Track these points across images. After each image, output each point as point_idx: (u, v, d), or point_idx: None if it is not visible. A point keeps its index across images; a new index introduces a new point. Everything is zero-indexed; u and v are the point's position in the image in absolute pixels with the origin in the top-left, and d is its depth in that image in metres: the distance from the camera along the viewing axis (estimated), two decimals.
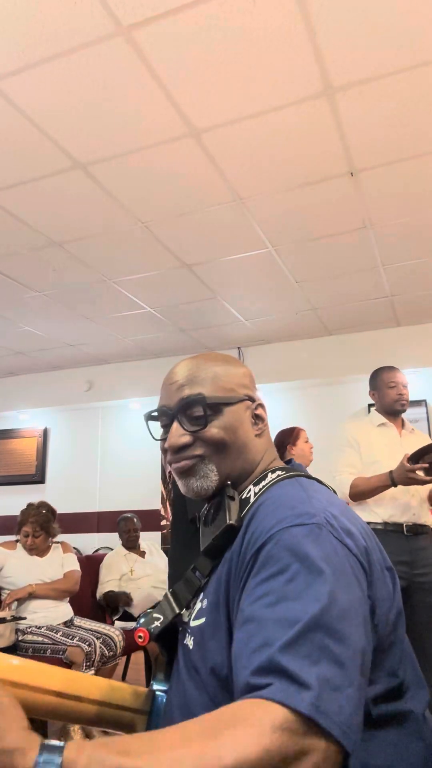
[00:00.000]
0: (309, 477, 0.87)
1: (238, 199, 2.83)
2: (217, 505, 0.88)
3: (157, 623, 0.87)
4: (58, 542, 3.28)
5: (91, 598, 3.70)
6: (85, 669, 2.73)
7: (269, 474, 0.88)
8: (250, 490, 0.87)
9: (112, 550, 5.36)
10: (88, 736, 0.89)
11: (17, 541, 3.17)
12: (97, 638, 2.87)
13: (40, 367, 5.76)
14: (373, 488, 2.42)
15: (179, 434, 0.87)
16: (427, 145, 2.45)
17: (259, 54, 1.95)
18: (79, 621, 3.11)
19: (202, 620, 0.79)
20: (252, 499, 0.84)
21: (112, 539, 5.49)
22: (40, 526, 3.12)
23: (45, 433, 6.08)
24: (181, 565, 1.74)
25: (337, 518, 0.74)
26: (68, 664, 2.75)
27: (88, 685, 0.82)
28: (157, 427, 0.93)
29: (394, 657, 0.75)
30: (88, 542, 5.49)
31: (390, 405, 2.66)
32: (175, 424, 0.87)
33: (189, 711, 0.75)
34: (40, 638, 2.85)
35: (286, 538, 0.69)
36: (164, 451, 0.90)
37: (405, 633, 0.80)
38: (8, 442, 6.19)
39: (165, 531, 5.30)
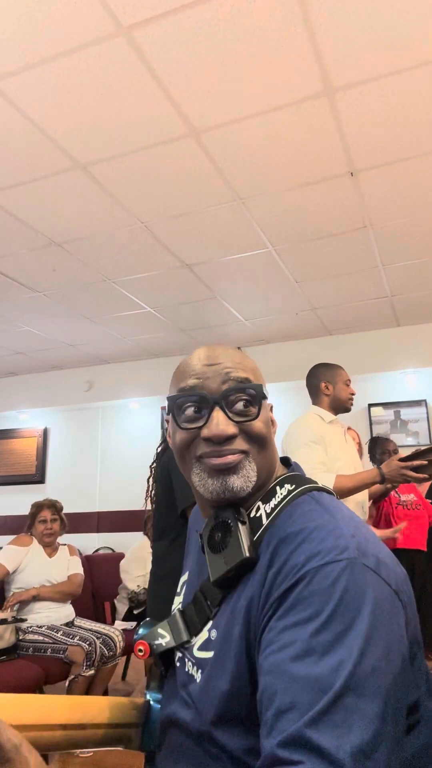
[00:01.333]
0: (319, 488, 0.80)
1: (238, 199, 2.83)
2: (223, 527, 0.78)
3: (161, 641, 0.82)
4: (64, 544, 3.29)
5: (91, 599, 3.70)
6: (85, 668, 2.73)
7: (277, 488, 0.80)
8: (259, 508, 0.78)
9: (112, 550, 5.38)
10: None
11: (30, 535, 3.18)
12: (98, 638, 2.88)
13: (40, 367, 5.77)
14: (361, 485, 2.38)
15: (226, 422, 0.76)
16: (427, 145, 2.45)
17: (259, 54, 1.95)
18: (79, 621, 3.11)
19: (210, 654, 0.74)
20: (264, 521, 0.76)
21: (112, 539, 5.50)
22: (57, 511, 3.23)
23: (45, 433, 6.08)
24: (167, 564, 1.74)
25: (368, 544, 0.68)
26: (69, 664, 2.75)
27: (90, 709, 0.80)
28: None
29: (420, 676, 0.71)
30: (88, 542, 5.49)
31: (344, 402, 2.63)
32: (220, 412, 0.76)
33: (180, 734, 0.74)
34: (41, 637, 2.85)
35: (317, 580, 0.63)
36: (186, 444, 0.79)
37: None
38: (8, 442, 6.19)
39: None
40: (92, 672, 2.76)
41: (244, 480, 0.77)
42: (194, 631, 0.79)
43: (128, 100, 2.14)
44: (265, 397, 0.80)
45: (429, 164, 2.58)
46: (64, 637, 2.83)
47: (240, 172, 2.60)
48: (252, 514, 0.78)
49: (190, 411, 0.79)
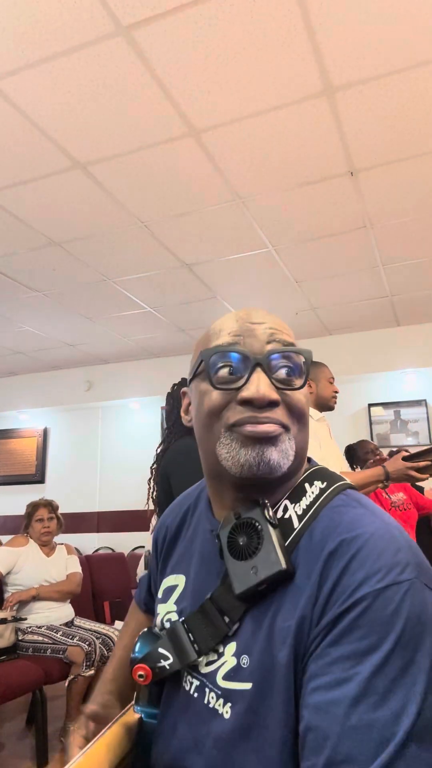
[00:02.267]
0: (349, 484, 0.72)
1: (238, 199, 2.83)
2: (247, 529, 0.67)
3: (165, 663, 0.70)
4: (61, 543, 3.29)
5: (91, 599, 3.70)
6: (85, 669, 2.73)
7: (306, 485, 0.70)
8: (287, 509, 0.69)
9: (112, 550, 5.38)
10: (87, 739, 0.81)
11: (27, 535, 3.18)
12: (97, 638, 2.88)
13: (40, 367, 5.77)
14: (366, 483, 2.37)
15: (270, 386, 0.67)
16: (427, 145, 2.45)
17: (259, 54, 1.94)
18: (79, 621, 3.11)
19: (246, 686, 0.62)
20: (296, 524, 0.67)
21: (112, 539, 5.50)
22: (53, 509, 3.24)
23: (45, 433, 6.08)
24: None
25: (419, 553, 0.61)
26: (68, 664, 2.75)
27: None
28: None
29: None
30: (88, 542, 5.49)
31: (327, 400, 2.61)
32: (262, 374, 0.67)
33: None
34: (41, 638, 2.85)
35: (377, 607, 0.56)
36: (218, 409, 0.68)
37: None
38: (8, 442, 6.19)
39: None
40: (92, 672, 2.76)
41: (282, 454, 0.66)
42: (204, 649, 0.68)
43: (128, 100, 2.14)
44: (309, 369, 0.71)
45: (429, 164, 2.58)
46: (63, 638, 2.83)
47: (240, 172, 2.59)
48: (279, 515, 0.69)
49: (224, 372, 0.69)
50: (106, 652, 2.86)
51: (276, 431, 0.66)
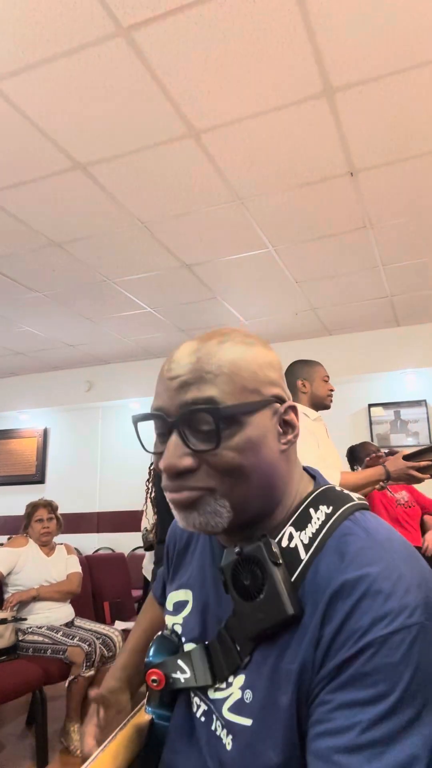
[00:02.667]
0: (359, 506, 0.68)
1: (238, 199, 2.83)
2: (251, 565, 0.64)
3: (180, 677, 0.69)
4: (61, 543, 3.29)
5: (91, 599, 3.70)
6: (85, 669, 2.73)
7: (311, 511, 0.66)
8: (292, 537, 0.65)
9: (112, 550, 5.38)
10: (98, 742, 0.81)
11: (26, 535, 3.18)
12: (97, 638, 2.88)
13: (40, 367, 5.77)
14: (367, 482, 2.37)
15: (180, 453, 0.62)
16: (427, 145, 2.45)
17: (259, 54, 1.94)
18: (79, 621, 3.11)
19: (247, 722, 0.61)
20: (302, 554, 0.63)
21: (112, 539, 5.50)
22: (53, 510, 3.24)
23: (45, 433, 6.08)
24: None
25: (430, 593, 0.58)
26: (68, 665, 2.75)
27: None
28: (149, 430, 0.70)
29: None
30: (88, 542, 5.49)
31: (322, 399, 2.58)
32: (176, 438, 0.63)
33: None
34: (41, 638, 2.85)
35: (384, 653, 0.54)
36: (160, 471, 0.66)
37: None
38: (8, 442, 6.19)
39: None
40: (92, 673, 2.76)
41: (210, 516, 0.63)
42: (220, 677, 0.67)
43: (128, 100, 2.14)
44: (248, 412, 0.63)
45: (429, 164, 2.58)
46: (63, 638, 2.83)
47: (240, 172, 2.59)
48: (284, 544, 0.65)
49: (157, 432, 0.67)
50: (106, 653, 2.86)
51: (190, 498, 0.63)
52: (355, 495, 0.70)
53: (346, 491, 0.70)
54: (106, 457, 5.80)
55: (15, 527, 5.34)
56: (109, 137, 2.34)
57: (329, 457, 2.40)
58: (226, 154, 2.46)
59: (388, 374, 4.94)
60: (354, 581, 0.58)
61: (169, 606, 0.80)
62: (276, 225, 3.09)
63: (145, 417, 0.67)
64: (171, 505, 0.65)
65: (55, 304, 4.15)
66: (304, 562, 0.62)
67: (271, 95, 2.13)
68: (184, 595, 0.78)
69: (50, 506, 3.26)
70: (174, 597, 0.80)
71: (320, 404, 2.56)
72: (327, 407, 2.58)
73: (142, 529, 3.46)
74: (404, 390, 5.01)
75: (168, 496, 0.65)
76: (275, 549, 0.63)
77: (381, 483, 2.71)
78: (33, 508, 3.23)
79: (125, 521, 5.45)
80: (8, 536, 5.42)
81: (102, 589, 3.85)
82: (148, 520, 3.55)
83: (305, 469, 0.75)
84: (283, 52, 1.94)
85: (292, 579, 0.62)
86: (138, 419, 0.69)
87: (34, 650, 2.82)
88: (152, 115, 2.21)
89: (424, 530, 3.51)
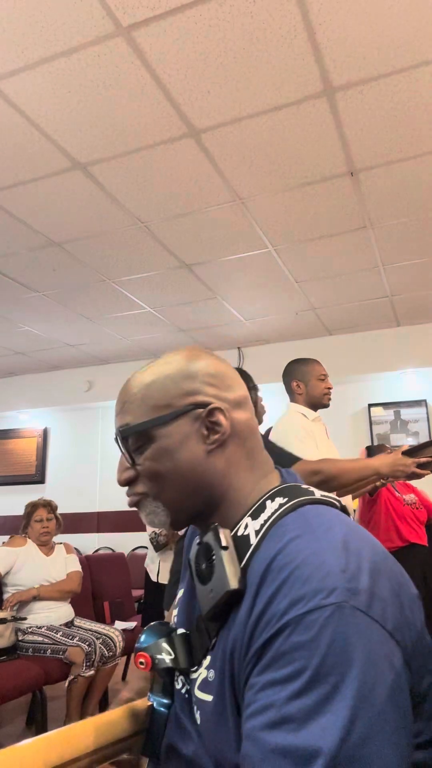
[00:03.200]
0: (315, 500, 0.71)
1: (238, 199, 2.83)
2: (207, 552, 0.70)
3: (165, 657, 0.75)
4: (60, 543, 3.29)
5: (91, 599, 3.70)
6: (85, 669, 2.73)
7: (268, 502, 0.71)
8: (247, 526, 0.71)
9: (112, 550, 5.38)
10: None
11: (25, 536, 3.18)
12: (97, 638, 2.87)
13: (40, 367, 5.77)
14: (356, 471, 2.24)
15: (123, 468, 0.77)
16: (427, 145, 2.45)
17: (259, 54, 1.94)
18: (79, 621, 3.11)
19: (210, 698, 0.67)
20: (253, 540, 0.68)
21: (112, 539, 5.50)
22: (52, 509, 3.25)
23: (45, 433, 6.08)
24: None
25: (358, 577, 0.59)
26: (68, 664, 2.75)
27: (79, 740, 0.74)
28: None
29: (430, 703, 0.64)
30: (88, 542, 5.49)
31: (319, 398, 2.54)
32: (121, 456, 0.77)
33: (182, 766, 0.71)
34: (41, 638, 2.85)
35: (299, 632, 0.56)
36: None
37: None
38: (8, 442, 6.19)
39: None
40: (92, 673, 2.76)
41: (153, 516, 0.75)
42: (197, 660, 0.73)
43: (128, 100, 2.14)
44: (158, 425, 0.73)
45: (429, 164, 2.58)
46: (63, 638, 2.83)
47: (240, 172, 2.59)
48: (240, 532, 0.71)
49: None
50: (106, 653, 2.86)
51: (133, 502, 0.77)
52: (319, 492, 0.73)
53: (312, 489, 0.73)
54: (106, 457, 5.80)
55: (15, 527, 5.34)
56: (109, 137, 2.34)
57: (329, 456, 2.38)
58: (226, 154, 2.46)
59: (388, 374, 4.94)
60: (279, 567, 0.61)
61: (175, 603, 0.88)
62: (276, 225, 3.09)
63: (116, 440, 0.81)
64: None
65: (55, 304, 4.15)
66: (252, 546, 0.67)
67: (271, 95, 2.13)
68: (181, 592, 0.86)
69: (50, 506, 3.26)
70: (178, 594, 0.88)
71: (318, 404, 2.53)
72: (325, 406, 2.54)
73: (149, 531, 3.46)
74: (404, 390, 5.01)
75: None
76: (222, 535, 0.69)
77: (381, 480, 2.68)
78: (32, 507, 3.23)
79: (125, 521, 5.45)
80: (9, 536, 5.44)
81: (102, 589, 3.85)
82: None
83: (278, 469, 0.80)
84: (283, 52, 1.94)
85: (242, 563, 0.67)
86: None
87: (34, 650, 2.82)
88: (152, 115, 2.21)
89: (430, 533, 3.53)
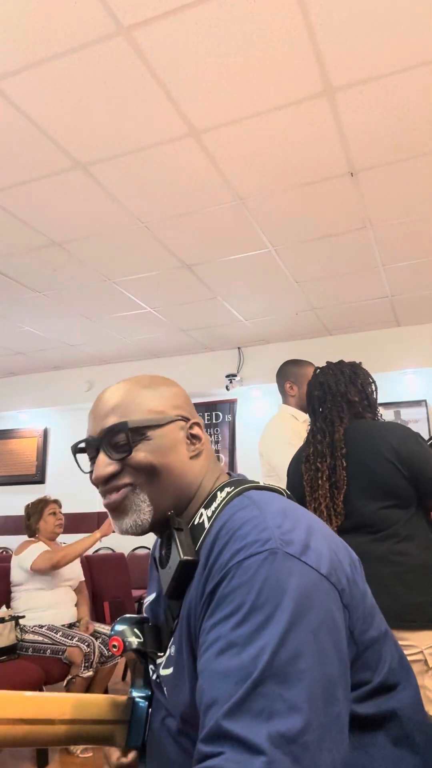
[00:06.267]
0: (259, 487, 0.81)
1: (238, 199, 2.83)
2: (167, 540, 0.80)
3: (134, 640, 0.84)
4: (63, 543, 3.30)
5: (91, 599, 3.69)
6: (84, 669, 2.73)
7: (218, 493, 0.81)
8: (201, 515, 0.80)
9: (112, 550, 5.37)
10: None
11: (37, 536, 3.18)
12: (96, 638, 2.88)
13: (40, 367, 5.77)
14: None
15: (105, 464, 0.80)
16: (427, 145, 2.45)
17: (259, 54, 1.94)
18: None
19: (170, 670, 0.76)
20: (206, 524, 0.78)
21: (113, 539, 5.50)
22: (59, 506, 3.33)
23: (45, 433, 6.07)
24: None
25: (292, 532, 0.69)
26: (68, 665, 2.75)
27: (57, 705, 0.79)
28: (86, 460, 0.87)
29: (375, 653, 0.72)
30: None
31: None
32: (101, 455, 0.81)
33: (166, 735, 0.77)
34: (40, 638, 2.85)
35: (239, 575, 0.65)
36: (95, 485, 0.83)
37: (385, 624, 0.77)
38: (8, 442, 6.19)
39: None
40: (90, 673, 2.75)
41: (135, 515, 0.80)
42: (163, 647, 0.81)
43: (128, 100, 2.14)
44: (154, 426, 0.81)
45: (429, 164, 2.58)
46: (63, 638, 2.82)
47: (240, 172, 2.59)
48: (195, 522, 0.80)
49: (89, 457, 0.85)
50: (105, 652, 2.86)
51: (118, 499, 0.80)
52: (264, 483, 0.82)
53: (257, 480, 0.83)
54: None
55: (15, 527, 5.35)
56: (109, 137, 2.34)
57: None
58: (226, 154, 2.46)
59: (388, 374, 4.93)
60: (226, 532, 0.71)
61: (145, 606, 0.96)
62: (276, 225, 3.09)
63: (78, 444, 0.86)
64: (108, 512, 0.82)
65: (55, 304, 4.15)
66: (206, 529, 0.76)
67: (272, 95, 2.13)
68: (151, 596, 0.94)
69: (57, 502, 3.32)
70: (148, 599, 0.97)
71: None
72: None
73: None
74: (404, 390, 5.01)
75: (103, 503, 0.82)
76: (177, 520, 0.80)
77: None
78: (44, 503, 3.26)
79: None
80: (10, 536, 5.45)
81: (102, 589, 3.85)
82: None
83: (229, 473, 0.91)
84: (283, 51, 1.94)
85: (197, 546, 0.76)
86: (75, 450, 0.87)
87: (33, 650, 2.82)
88: (152, 115, 2.21)
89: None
